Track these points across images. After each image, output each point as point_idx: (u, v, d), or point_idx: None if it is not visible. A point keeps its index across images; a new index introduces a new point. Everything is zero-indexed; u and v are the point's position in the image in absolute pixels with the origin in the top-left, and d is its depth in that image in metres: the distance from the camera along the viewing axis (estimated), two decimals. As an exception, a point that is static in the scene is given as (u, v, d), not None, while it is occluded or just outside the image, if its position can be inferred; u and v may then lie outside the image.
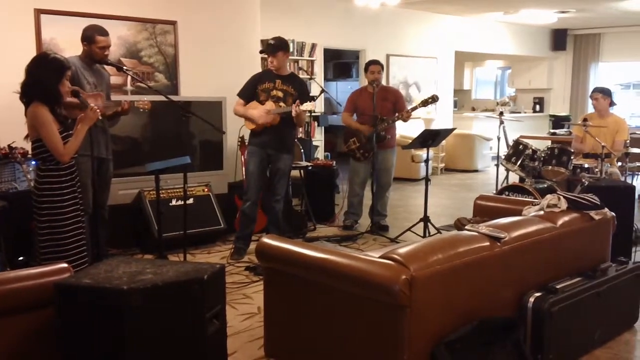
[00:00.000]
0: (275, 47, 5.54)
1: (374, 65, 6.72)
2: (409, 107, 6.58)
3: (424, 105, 6.49)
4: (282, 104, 5.53)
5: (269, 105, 5.53)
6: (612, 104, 6.81)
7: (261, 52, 5.52)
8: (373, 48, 10.95)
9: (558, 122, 12.54)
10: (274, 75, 5.63)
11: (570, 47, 14.64)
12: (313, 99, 5.70)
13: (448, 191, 9.79)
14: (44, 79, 3.92)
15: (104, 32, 4.98)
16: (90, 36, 4.93)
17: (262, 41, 8.44)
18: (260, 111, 5.50)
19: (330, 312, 3.14)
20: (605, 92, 6.79)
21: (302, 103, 5.39)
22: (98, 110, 4.15)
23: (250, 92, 5.64)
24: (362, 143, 6.69)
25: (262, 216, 6.05)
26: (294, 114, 5.38)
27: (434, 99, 6.45)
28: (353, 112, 6.91)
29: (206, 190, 6.23)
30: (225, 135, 6.38)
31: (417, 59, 11.75)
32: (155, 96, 5.53)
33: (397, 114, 6.55)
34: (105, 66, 5.15)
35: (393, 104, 6.66)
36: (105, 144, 5.06)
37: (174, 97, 5.77)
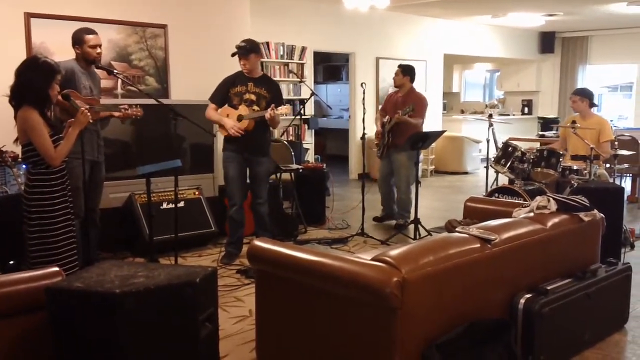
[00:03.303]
0: (247, 49, 5.43)
1: (397, 69, 7.04)
2: (395, 115, 6.65)
3: (406, 114, 6.58)
4: (255, 107, 5.44)
5: (243, 109, 5.44)
6: (592, 105, 6.84)
7: (233, 54, 5.43)
8: (363, 51, 10.99)
9: (547, 124, 12.61)
10: (246, 78, 5.53)
11: (558, 50, 14.73)
12: (285, 101, 5.65)
13: (438, 193, 9.83)
14: (33, 82, 3.91)
15: (92, 31, 4.99)
16: (79, 38, 4.93)
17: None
18: (233, 122, 5.40)
19: (321, 315, 3.15)
20: (583, 94, 6.81)
21: (275, 105, 5.33)
22: (89, 114, 4.15)
23: (222, 96, 5.55)
24: (379, 142, 7.04)
25: (252, 218, 6.05)
26: (267, 117, 5.29)
27: (412, 109, 6.61)
28: (385, 113, 7.11)
29: (197, 193, 6.23)
30: (216, 138, 6.38)
31: (407, 61, 11.73)
32: (146, 99, 5.53)
33: (393, 117, 6.67)
34: (96, 69, 5.15)
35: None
36: (97, 146, 5.07)
37: (164, 101, 5.76)
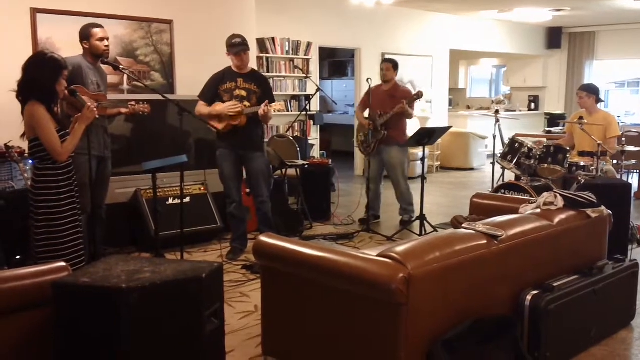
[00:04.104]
0: (245, 45, 5.38)
1: (384, 63, 6.96)
2: (398, 106, 6.60)
3: (410, 103, 6.54)
4: (246, 103, 5.39)
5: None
6: (598, 101, 6.81)
7: (235, 52, 5.32)
8: (368, 46, 10.96)
9: (553, 120, 12.57)
10: (235, 74, 5.46)
11: (565, 45, 14.68)
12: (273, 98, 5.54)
13: (444, 189, 9.81)
14: (40, 78, 3.92)
15: (98, 25, 5.01)
16: (86, 32, 4.94)
17: (258, 40, 8.47)
18: (225, 105, 5.34)
19: (327, 310, 3.14)
20: (590, 90, 6.78)
21: (265, 100, 5.29)
22: (95, 110, 4.16)
23: (211, 94, 5.47)
24: (365, 138, 6.84)
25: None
26: (261, 112, 5.25)
27: (418, 96, 6.61)
28: (365, 108, 7.03)
29: (202, 189, 6.23)
30: (221, 133, 6.37)
31: (413, 57, 11.76)
32: (152, 95, 5.53)
33: (391, 111, 6.63)
34: (102, 65, 5.15)
35: (398, 102, 6.70)
36: (105, 142, 5.08)
37: (170, 96, 5.76)
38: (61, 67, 4.01)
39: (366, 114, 7.01)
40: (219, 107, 5.39)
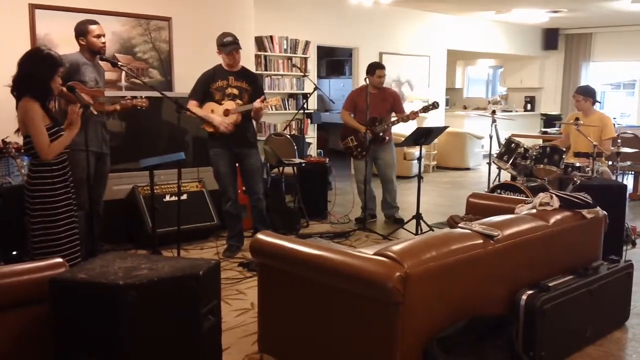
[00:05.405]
0: (236, 43, 5.37)
1: (380, 70, 6.86)
2: (410, 111, 6.63)
3: (425, 112, 6.57)
4: (238, 101, 5.38)
5: (229, 104, 5.38)
6: (594, 102, 6.83)
7: (228, 51, 5.31)
8: (366, 46, 10.97)
9: (549, 120, 12.60)
10: (226, 72, 5.45)
11: (561, 47, 14.71)
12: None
13: (440, 189, 9.83)
14: (36, 74, 3.91)
15: (94, 22, 5.01)
16: (82, 29, 4.94)
17: (256, 38, 8.46)
18: (221, 117, 5.33)
19: (323, 308, 3.15)
20: (586, 94, 6.80)
21: (258, 97, 5.31)
22: (79, 112, 4.10)
23: (202, 93, 5.43)
24: (360, 142, 6.80)
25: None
26: (257, 106, 5.25)
27: (434, 106, 6.54)
28: (352, 111, 6.99)
29: (199, 186, 6.23)
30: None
31: (410, 57, 11.78)
32: (150, 92, 5.53)
33: (397, 117, 6.69)
34: (100, 62, 5.15)
35: (391, 105, 6.79)
36: (103, 138, 5.08)
37: (168, 93, 5.76)
38: (57, 64, 4.00)
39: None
40: (214, 117, 5.34)
